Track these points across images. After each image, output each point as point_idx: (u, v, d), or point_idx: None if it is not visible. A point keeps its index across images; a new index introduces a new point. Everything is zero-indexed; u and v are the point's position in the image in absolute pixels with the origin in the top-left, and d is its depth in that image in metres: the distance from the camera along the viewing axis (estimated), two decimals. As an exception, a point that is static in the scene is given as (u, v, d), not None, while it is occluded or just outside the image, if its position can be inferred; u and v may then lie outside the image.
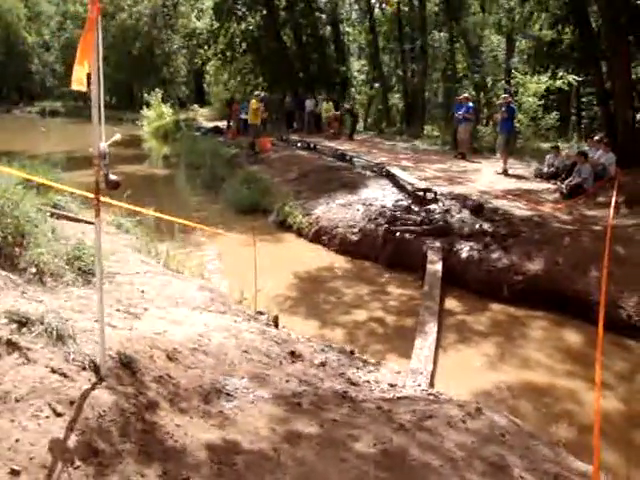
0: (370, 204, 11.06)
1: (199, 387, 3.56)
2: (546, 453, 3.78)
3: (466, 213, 10.05)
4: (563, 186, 11.80)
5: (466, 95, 17.88)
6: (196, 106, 41.35)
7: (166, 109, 31.35)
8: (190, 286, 6.13)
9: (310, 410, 3.64)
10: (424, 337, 6.46)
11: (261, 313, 6.74)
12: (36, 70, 56.15)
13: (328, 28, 31.92)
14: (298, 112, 25.55)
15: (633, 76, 14.38)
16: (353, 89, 34.93)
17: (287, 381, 4.21)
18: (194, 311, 5.25)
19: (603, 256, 7.45)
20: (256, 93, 20.59)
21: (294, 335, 5.98)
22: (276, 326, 6.00)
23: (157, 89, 32.67)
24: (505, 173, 14.18)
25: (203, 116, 37.76)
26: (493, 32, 26.60)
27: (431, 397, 4.81)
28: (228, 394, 3.62)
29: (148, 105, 31.65)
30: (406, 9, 29.36)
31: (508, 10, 21.51)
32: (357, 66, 35.99)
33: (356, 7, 32.49)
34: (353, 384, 5.02)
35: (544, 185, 12.84)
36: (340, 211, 11.21)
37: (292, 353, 5.00)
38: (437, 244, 9.15)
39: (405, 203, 10.84)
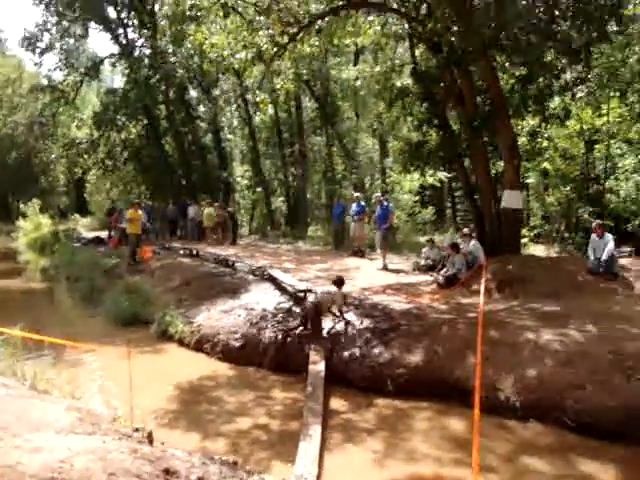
0: (252, 308, 10.99)
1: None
2: None
3: (350, 311, 10.17)
4: (439, 277, 12.33)
5: (357, 194, 18.59)
6: (77, 216, 40.46)
7: (44, 219, 30.41)
8: (56, 408, 5.73)
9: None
10: (308, 440, 6.34)
11: (137, 430, 6.39)
12: None
13: (209, 135, 32.61)
14: (182, 219, 25.49)
15: (494, 171, 15.53)
16: (237, 194, 35.54)
17: (157, 503, 3.95)
18: (58, 435, 4.88)
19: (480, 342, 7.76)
20: (133, 202, 20.33)
21: (171, 451, 5.66)
22: (150, 443, 5.67)
23: (34, 199, 31.74)
24: (385, 268, 14.68)
25: (84, 226, 36.90)
26: (367, 135, 28.24)
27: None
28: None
29: (25, 216, 30.58)
30: (284, 115, 30.69)
31: (378, 115, 22.93)
32: (240, 171, 36.78)
33: (236, 114, 33.46)
34: (233, 498, 4.80)
35: (422, 277, 13.38)
36: (222, 317, 11.05)
37: (166, 471, 4.72)
38: (319, 345, 9.16)
39: (287, 305, 10.86)
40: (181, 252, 19.20)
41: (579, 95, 16.99)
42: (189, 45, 20.33)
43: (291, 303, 10.93)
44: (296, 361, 9.13)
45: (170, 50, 25.26)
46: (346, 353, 9.00)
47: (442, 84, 14.21)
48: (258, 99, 15.84)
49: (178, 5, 14.66)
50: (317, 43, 14.76)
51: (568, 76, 12.76)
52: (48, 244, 27.04)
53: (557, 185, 20.80)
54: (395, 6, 13.95)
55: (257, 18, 13.04)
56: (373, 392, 8.30)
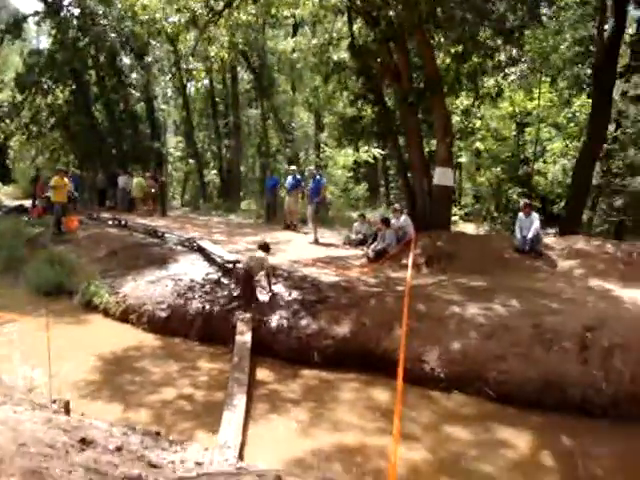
0: (179, 279, 10.76)
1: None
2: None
3: (279, 283, 10.10)
4: (369, 251, 12.40)
5: (293, 167, 18.41)
6: (-1, 184, 38.63)
7: (-38, 185, 28.93)
8: (-37, 376, 5.46)
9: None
10: (232, 410, 6.28)
11: (54, 402, 6.20)
12: None
13: (142, 104, 31.64)
14: (111, 189, 24.73)
15: (427, 149, 15.69)
16: (170, 165, 34.76)
17: (70, 472, 3.80)
18: (-35, 404, 4.65)
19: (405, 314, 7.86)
20: (58, 169, 19.50)
21: (89, 421, 5.49)
22: (67, 413, 5.48)
23: (-49, 163, 30.10)
24: (316, 242, 14.67)
25: (7, 194, 35.23)
26: (303, 109, 28.05)
27: (234, 471, 4.59)
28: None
29: (-62, 182, 29.01)
30: (219, 86, 30.09)
31: (313, 89, 22.79)
32: (173, 143, 35.94)
33: (170, 84, 32.59)
34: (153, 466, 4.69)
35: (352, 252, 13.43)
36: (148, 288, 10.78)
37: (82, 440, 4.57)
38: (247, 315, 9.08)
39: (215, 276, 10.69)
40: (109, 222, 18.62)
41: (512, 78, 17.31)
42: (119, 6, 19.46)
43: (220, 274, 10.76)
44: (223, 332, 9.03)
45: (100, 12, 24.18)
46: (273, 324, 8.96)
47: (379, 59, 14.18)
48: (192, 67, 15.36)
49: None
50: (254, 12, 14.46)
51: (502, 57, 12.92)
52: (-33, 211, 25.77)
53: (489, 165, 21.30)
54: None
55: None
56: (300, 364, 8.30)
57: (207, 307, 9.68)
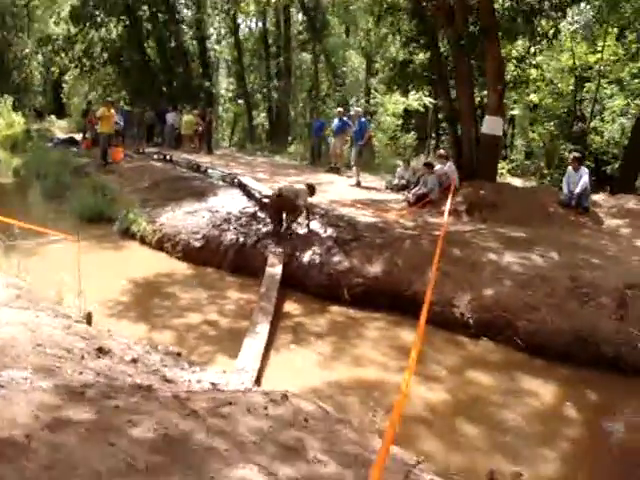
0: (216, 211, 10.78)
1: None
2: (352, 437, 3.66)
3: (315, 220, 9.99)
4: (410, 195, 12.15)
5: (340, 109, 18.03)
6: (53, 117, 39.20)
7: (17, 118, 29.42)
8: (-8, 283, 5.56)
9: (93, 399, 3.28)
10: (254, 336, 6.28)
11: (89, 315, 6.33)
12: None
13: (194, 43, 31.46)
14: (159, 125, 24.81)
15: (478, 98, 15.16)
16: (220, 107, 34.67)
17: (81, 373, 3.83)
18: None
19: (440, 257, 7.68)
20: (106, 100, 19.60)
21: (110, 334, 5.55)
22: (89, 323, 5.54)
23: (7, 96, 30.55)
24: (358, 185, 14.46)
25: (60, 128, 35.72)
26: (355, 53, 27.45)
27: (243, 389, 4.58)
28: (-4, 383, 3.19)
29: (-4, 112, 29.55)
30: (272, 28, 29.64)
31: (366, 32, 22.20)
32: (225, 84, 35.76)
33: (223, 24, 32.23)
34: (167, 381, 4.71)
35: (394, 196, 13.19)
36: (185, 218, 10.84)
37: (99, 349, 4.62)
38: (279, 249, 9.03)
39: (251, 210, 10.64)
40: (154, 157, 18.74)
41: (575, 27, 16.44)
42: None
43: (256, 208, 10.70)
44: (255, 264, 9.02)
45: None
46: (305, 259, 8.90)
47: (433, 0, 13.63)
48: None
49: None
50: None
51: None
52: (20, 143, 26.28)
53: (542, 121, 20.51)
54: None
55: None
56: (329, 300, 8.24)
57: (241, 239, 9.68)
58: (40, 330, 4.45)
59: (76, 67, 29.37)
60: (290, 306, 7.99)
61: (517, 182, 17.57)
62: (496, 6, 13.00)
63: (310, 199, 10.04)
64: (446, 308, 7.65)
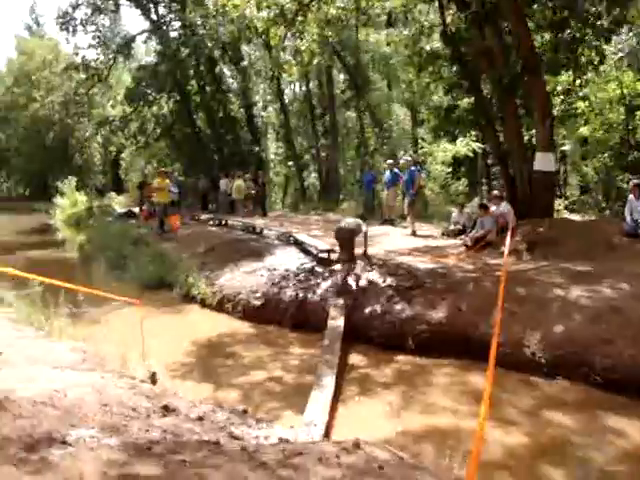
0: (274, 269, 10.81)
1: (27, 436, 3.11)
2: (429, 482, 3.48)
3: (374, 270, 9.91)
4: (467, 239, 11.96)
5: (390, 161, 18.11)
6: (113, 194, 40.83)
7: (80, 197, 30.72)
8: (61, 347, 5.66)
9: (160, 454, 3.22)
10: (320, 390, 6.14)
11: (154, 375, 6.41)
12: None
13: (241, 110, 32.48)
14: (213, 193, 25.42)
15: (527, 136, 15.03)
16: (270, 170, 35.40)
17: (147, 431, 3.79)
18: (57, 369, 4.78)
19: (505, 297, 7.45)
20: (160, 170, 20.25)
21: (174, 392, 5.53)
22: (153, 383, 5.54)
23: (71, 177, 32.03)
24: (414, 234, 14.35)
25: (119, 203, 37.04)
26: (399, 105, 27.73)
27: (313, 441, 4.45)
28: (64, 442, 3.18)
29: (62, 194, 30.92)
30: (316, 90, 30.37)
31: (408, 83, 22.46)
32: (274, 148, 36.59)
33: (269, 90, 33.23)
34: (235, 438, 4.62)
35: (451, 242, 13.03)
36: (244, 278, 10.91)
37: (165, 407, 4.58)
38: (340, 301, 8.95)
39: (309, 265, 10.64)
40: (210, 222, 19.14)
41: (620, 55, 16.21)
42: (211, 8, 19.93)
43: (314, 263, 10.70)
44: (317, 319, 8.92)
45: (199, 22, 25.05)
46: (367, 310, 8.78)
47: (472, 45, 13.73)
48: (282, 61, 15.46)
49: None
50: (343, 5, 14.36)
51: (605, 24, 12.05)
52: (84, 220, 27.33)
53: (595, 153, 20.09)
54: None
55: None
56: (394, 349, 8.05)
57: (300, 295, 9.64)
58: (106, 391, 4.46)
59: (131, 144, 30.66)
60: (355, 358, 7.84)
61: (575, 218, 17.15)
62: (537, 40, 12.98)
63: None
64: (516, 349, 7.37)
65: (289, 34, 13.68)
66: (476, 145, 20.45)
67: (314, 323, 8.94)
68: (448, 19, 15.28)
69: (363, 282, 9.47)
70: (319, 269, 10.38)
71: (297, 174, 31.19)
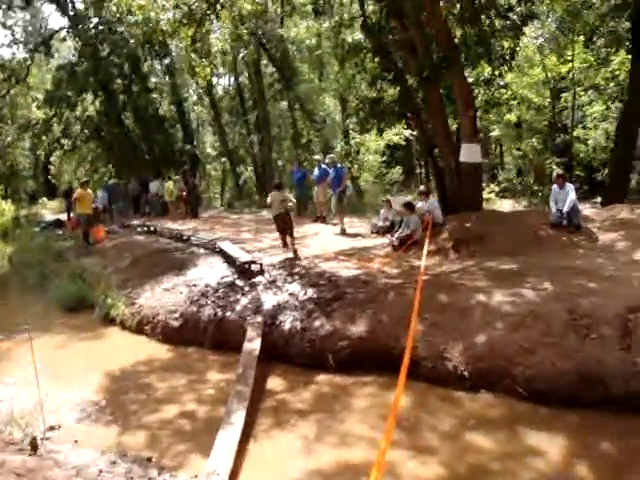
0: (194, 285, 10.30)
1: None
2: None
3: (295, 282, 9.53)
4: (394, 239, 11.70)
5: (318, 157, 17.73)
6: (45, 199, 39.40)
7: (6, 205, 29.45)
8: None
9: None
10: (228, 429, 5.74)
11: (51, 428, 6.01)
12: None
13: (172, 108, 31.52)
14: (144, 196, 24.58)
15: (454, 126, 14.84)
16: (208, 166, 34.65)
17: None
18: None
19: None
20: (82, 181, 19.36)
21: (82, 450, 5.12)
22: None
23: (-5, 185, 30.71)
24: (343, 233, 14.07)
25: (51, 209, 35.83)
26: (329, 96, 27.44)
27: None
28: None
29: (-16, 203, 29.64)
30: (246, 82, 29.76)
31: (335, 74, 22.15)
32: (212, 143, 35.82)
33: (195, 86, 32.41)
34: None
35: (379, 240, 12.75)
36: (163, 296, 10.37)
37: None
38: (258, 319, 8.54)
39: (230, 279, 10.18)
40: (138, 229, 18.42)
41: (540, 41, 16.19)
42: (114, 8, 19.09)
43: (235, 277, 10.23)
44: (236, 338, 8.46)
45: (116, 19, 23.98)
46: (287, 327, 8.37)
47: (393, 36, 13.42)
48: (194, 63, 14.83)
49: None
50: (260, 0, 13.83)
51: (515, 17, 11.89)
52: (11, 230, 26.18)
53: (525, 137, 20.20)
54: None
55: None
56: (314, 368, 7.70)
57: (219, 313, 9.19)
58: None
59: (56, 149, 29.46)
60: (272, 382, 7.46)
61: (507, 204, 17.20)
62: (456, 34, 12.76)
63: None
64: (438, 362, 7.13)
65: (199, 35, 13.05)
66: (408, 132, 20.20)
67: (234, 343, 8.47)
68: (368, 10, 14.95)
69: (283, 296, 9.08)
70: (240, 282, 9.94)
71: (231, 169, 30.50)
